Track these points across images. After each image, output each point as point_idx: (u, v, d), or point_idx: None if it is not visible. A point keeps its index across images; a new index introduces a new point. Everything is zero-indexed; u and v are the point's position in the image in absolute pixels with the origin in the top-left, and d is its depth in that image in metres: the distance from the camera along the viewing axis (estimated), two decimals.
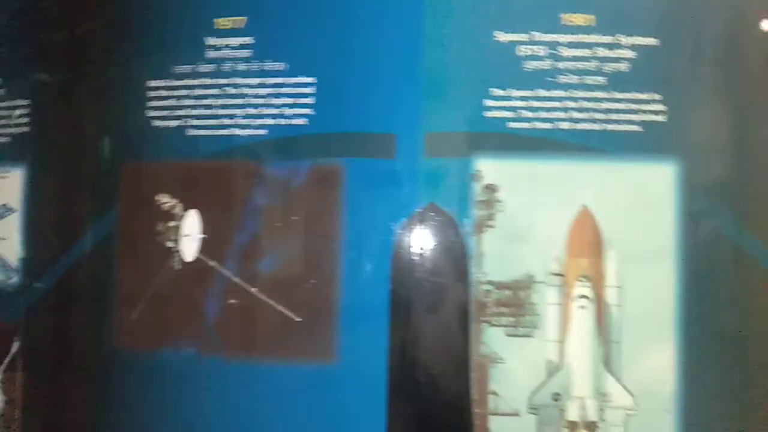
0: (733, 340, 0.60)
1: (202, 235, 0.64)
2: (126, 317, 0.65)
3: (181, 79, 0.65)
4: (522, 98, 0.61)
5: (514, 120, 0.61)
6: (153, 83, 0.66)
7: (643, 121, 0.61)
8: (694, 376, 0.59)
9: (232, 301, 0.62)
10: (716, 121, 0.61)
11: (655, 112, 0.61)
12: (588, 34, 0.61)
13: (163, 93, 0.65)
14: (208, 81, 0.64)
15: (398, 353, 0.60)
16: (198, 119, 0.64)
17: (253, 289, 0.62)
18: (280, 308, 0.61)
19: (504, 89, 0.61)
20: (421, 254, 0.60)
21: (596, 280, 0.60)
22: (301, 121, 0.62)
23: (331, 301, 0.60)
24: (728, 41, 0.62)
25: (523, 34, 0.61)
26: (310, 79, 0.62)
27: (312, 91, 0.62)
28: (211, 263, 0.63)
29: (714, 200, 0.61)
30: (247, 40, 0.63)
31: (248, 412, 0.61)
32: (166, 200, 0.65)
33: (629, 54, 0.61)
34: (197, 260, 0.64)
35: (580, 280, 0.60)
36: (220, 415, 0.62)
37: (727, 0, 0.62)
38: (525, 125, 0.61)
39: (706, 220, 0.61)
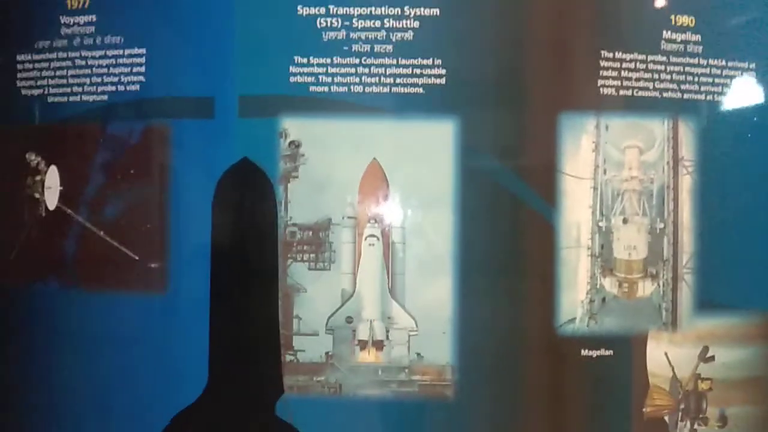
0: (503, 274, 0.70)
1: (61, 188, 0.75)
2: (4, 258, 0.77)
3: (42, 53, 0.75)
4: (321, 65, 0.70)
5: (314, 84, 0.70)
6: (20, 57, 0.76)
7: (425, 84, 0.69)
8: (468, 304, 0.69)
9: (85, 242, 0.73)
10: (493, 83, 0.70)
11: (436, 76, 0.69)
12: (378, 6, 0.69)
13: (28, 66, 0.76)
14: (63, 54, 0.74)
15: (219, 285, 0.70)
16: (55, 88, 0.75)
17: (100, 233, 0.73)
18: (122, 248, 0.72)
19: (306, 57, 0.70)
20: (236, 201, 0.71)
21: (384, 222, 0.70)
22: (135, 88, 0.72)
23: (162, 242, 0.71)
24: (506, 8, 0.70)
25: (321, 8, 0.69)
26: (141, 50, 0.71)
27: (143, 61, 0.71)
28: (68, 211, 0.74)
29: (489, 153, 0.70)
30: (92, 17, 0.73)
31: (101, 335, 0.73)
32: (33, 158, 0.76)
33: (414, 24, 0.69)
34: (57, 208, 0.75)
35: (370, 222, 0.70)
36: (80, 337, 0.74)
37: None
38: (324, 89, 0.70)
39: (481, 170, 0.70)
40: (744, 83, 0.74)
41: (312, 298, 0.70)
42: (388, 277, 0.70)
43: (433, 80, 0.69)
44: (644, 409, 0.72)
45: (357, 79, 0.70)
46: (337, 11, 0.69)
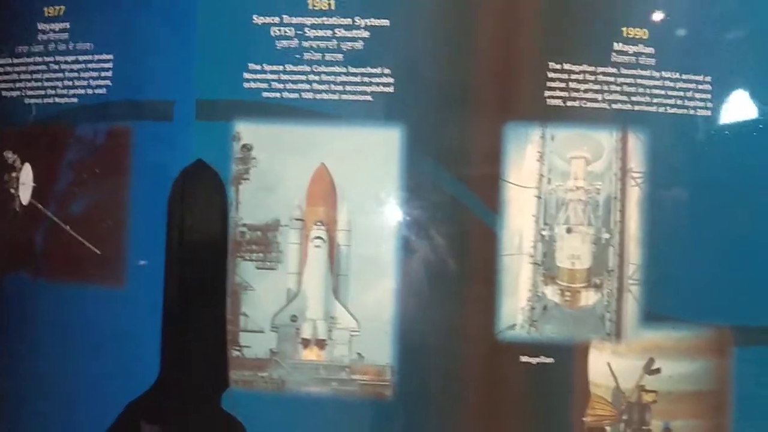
0: (445, 279, 0.71)
1: (33, 184, 0.79)
2: None
3: (21, 57, 0.80)
4: (274, 72, 0.72)
5: (267, 90, 0.72)
6: (1, 61, 0.81)
7: (374, 92, 0.71)
8: (409, 307, 0.71)
9: (53, 236, 0.77)
10: (439, 92, 0.71)
11: (385, 84, 0.71)
12: (329, 17, 0.71)
13: (8, 69, 0.81)
14: (39, 59, 0.79)
15: (172, 282, 0.73)
16: (31, 90, 0.79)
17: (66, 227, 0.77)
18: (86, 243, 0.76)
19: (259, 64, 0.72)
20: (190, 201, 0.73)
21: (330, 225, 0.72)
22: (102, 91, 0.76)
23: (122, 239, 0.74)
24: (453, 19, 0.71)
25: (276, 17, 0.72)
26: (109, 56, 0.75)
27: (110, 66, 0.75)
28: (39, 206, 0.78)
29: (435, 160, 0.71)
30: (65, 24, 0.77)
31: (62, 323, 0.77)
32: (10, 156, 0.80)
33: (364, 34, 0.71)
34: (30, 204, 0.79)
35: (317, 225, 0.72)
36: (46, 324, 0.78)
37: None
38: (276, 95, 0.72)
39: (426, 176, 0.71)
40: (698, 96, 0.74)
41: (259, 296, 0.73)
42: (333, 278, 0.73)
43: (381, 88, 0.71)
44: (584, 418, 0.73)
45: (308, 86, 0.72)
46: (290, 21, 0.72)
